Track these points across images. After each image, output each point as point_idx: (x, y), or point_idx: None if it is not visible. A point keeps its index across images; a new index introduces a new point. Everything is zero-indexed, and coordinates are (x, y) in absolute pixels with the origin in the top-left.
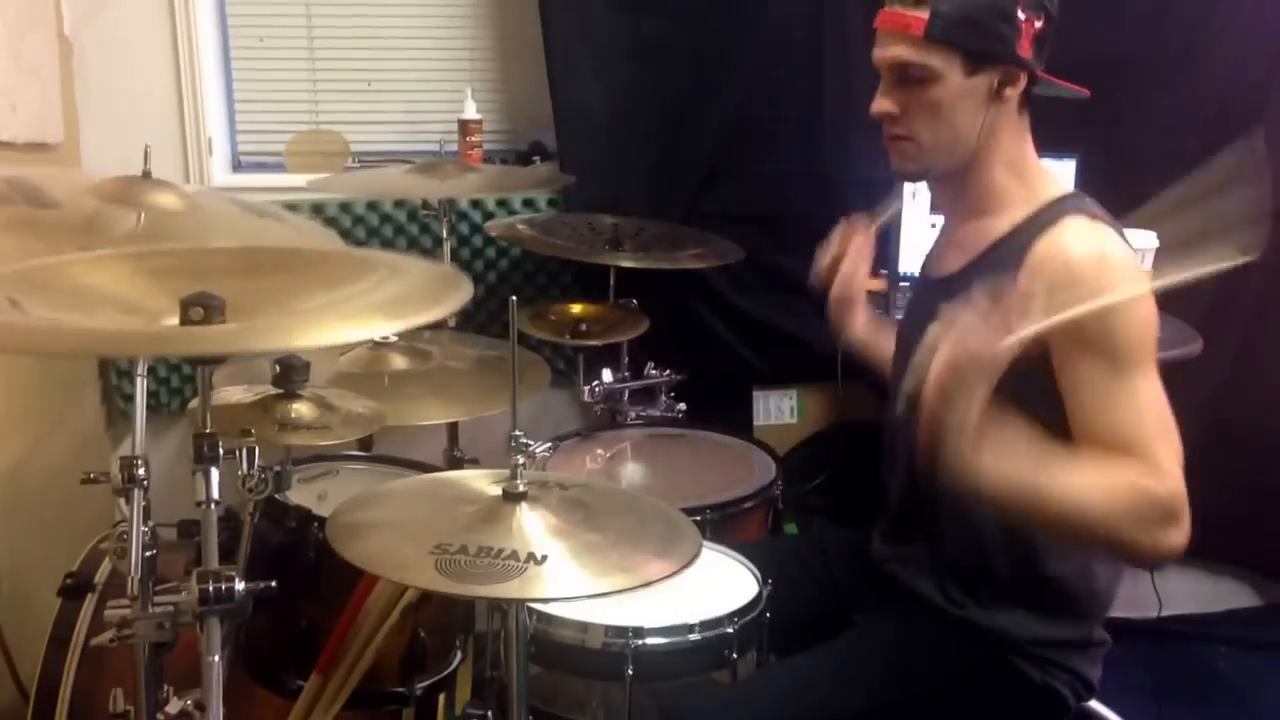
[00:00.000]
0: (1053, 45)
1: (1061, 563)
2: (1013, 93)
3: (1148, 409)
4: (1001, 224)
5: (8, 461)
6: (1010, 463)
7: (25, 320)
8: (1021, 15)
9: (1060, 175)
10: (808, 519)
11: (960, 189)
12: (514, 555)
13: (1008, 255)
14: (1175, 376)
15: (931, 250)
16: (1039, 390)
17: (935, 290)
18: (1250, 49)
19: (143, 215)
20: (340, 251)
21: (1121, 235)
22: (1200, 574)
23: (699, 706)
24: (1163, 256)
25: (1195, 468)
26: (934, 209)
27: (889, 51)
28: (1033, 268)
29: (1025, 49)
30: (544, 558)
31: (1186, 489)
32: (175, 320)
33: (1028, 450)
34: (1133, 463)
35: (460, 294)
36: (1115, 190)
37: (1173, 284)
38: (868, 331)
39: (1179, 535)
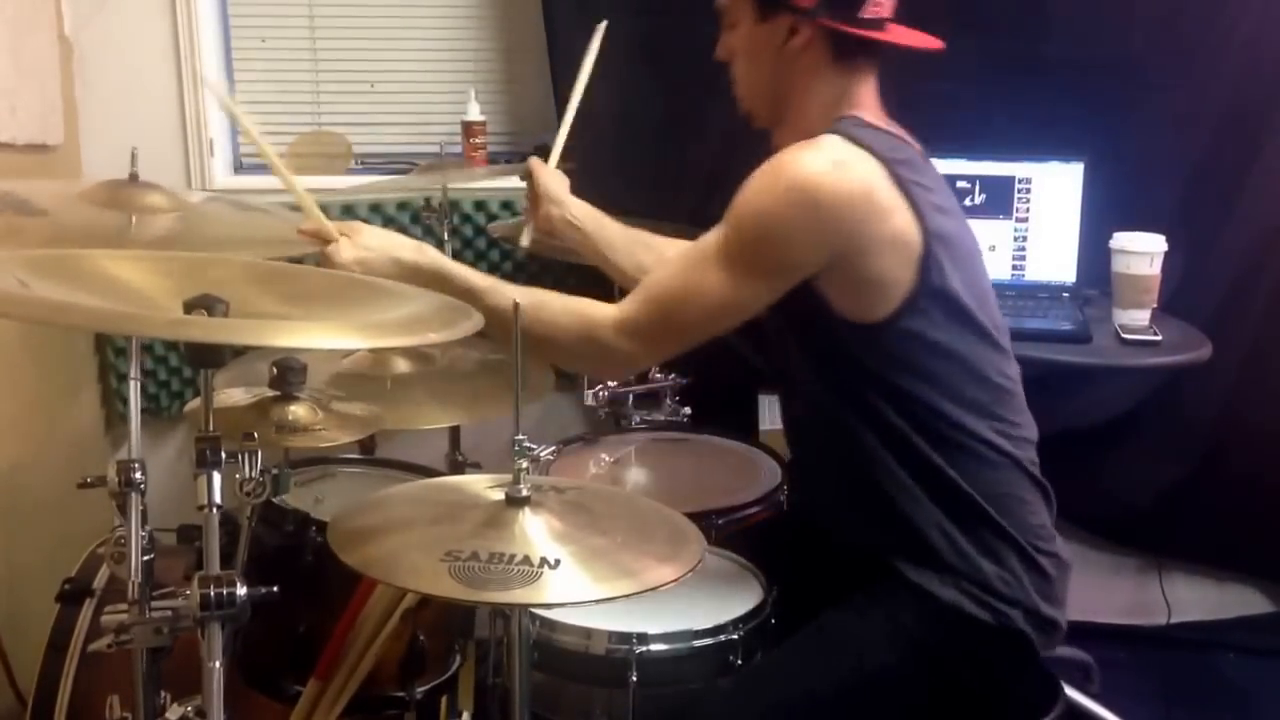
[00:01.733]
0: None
1: (950, 459)
2: (799, 42)
3: (678, 286)
4: None
5: (6, 465)
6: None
7: (29, 293)
8: None
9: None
10: None
11: (786, 143)
12: (526, 560)
13: None
14: (1184, 381)
15: None
16: None
17: None
18: (1260, 51)
19: (134, 219)
20: (355, 278)
21: (878, 157)
22: (1209, 581)
23: (701, 710)
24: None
25: (1204, 473)
26: None
27: None
28: None
29: None
30: (557, 562)
31: (1185, 493)
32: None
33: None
34: (603, 312)
35: (469, 324)
36: (1123, 192)
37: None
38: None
39: (608, 369)
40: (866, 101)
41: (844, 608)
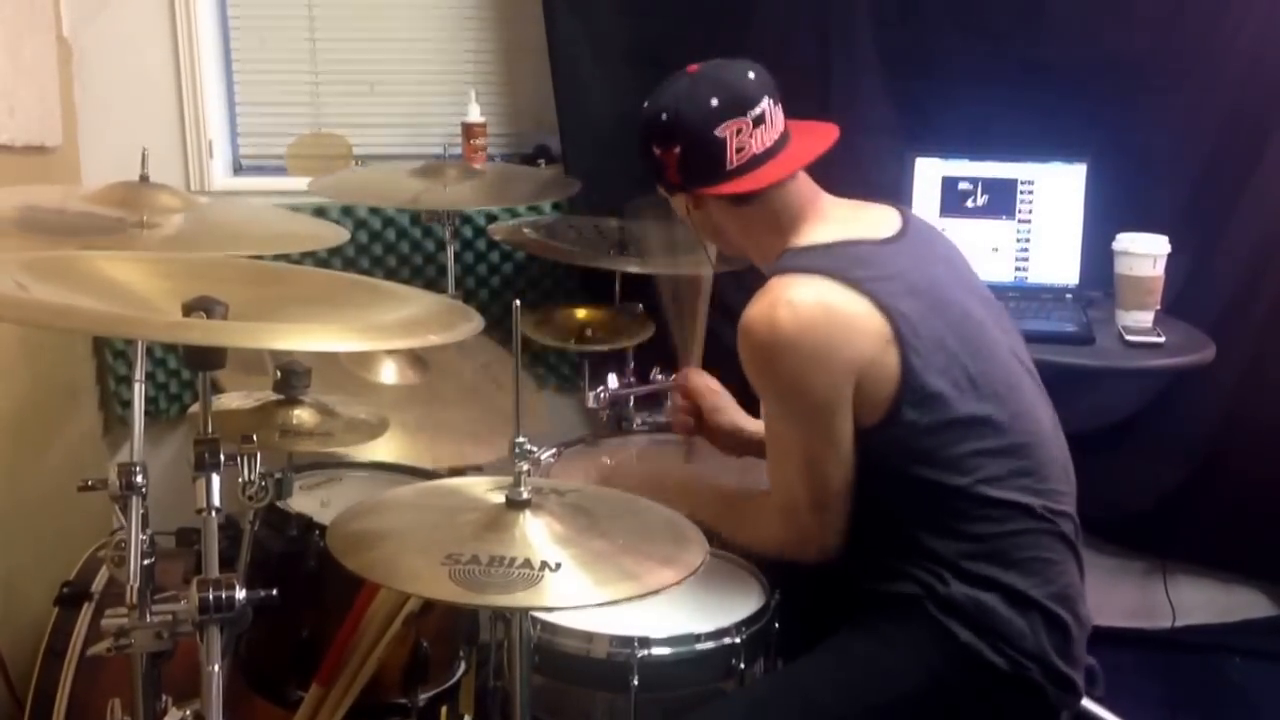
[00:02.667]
0: (717, 155)
1: (974, 528)
2: (700, 208)
3: (774, 464)
4: None
5: (4, 468)
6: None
7: (28, 296)
8: (656, 151)
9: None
10: None
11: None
12: (527, 564)
13: None
14: (1188, 383)
15: None
16: None
17: None
18: (1264, 52)
19: (144, 219)
20: (355, 279)
21: (835, 276)
22: (1214, 584)
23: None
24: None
25: (1208, 476)
26: None
27: None
28: None
29: (673, 175)
30: (558, 565)
31: (1189, 495)
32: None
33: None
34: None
35: (469, 326)
36: (1126, 193)
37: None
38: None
39: (798, 553)
40: (801, 214)
41: (869, 634)
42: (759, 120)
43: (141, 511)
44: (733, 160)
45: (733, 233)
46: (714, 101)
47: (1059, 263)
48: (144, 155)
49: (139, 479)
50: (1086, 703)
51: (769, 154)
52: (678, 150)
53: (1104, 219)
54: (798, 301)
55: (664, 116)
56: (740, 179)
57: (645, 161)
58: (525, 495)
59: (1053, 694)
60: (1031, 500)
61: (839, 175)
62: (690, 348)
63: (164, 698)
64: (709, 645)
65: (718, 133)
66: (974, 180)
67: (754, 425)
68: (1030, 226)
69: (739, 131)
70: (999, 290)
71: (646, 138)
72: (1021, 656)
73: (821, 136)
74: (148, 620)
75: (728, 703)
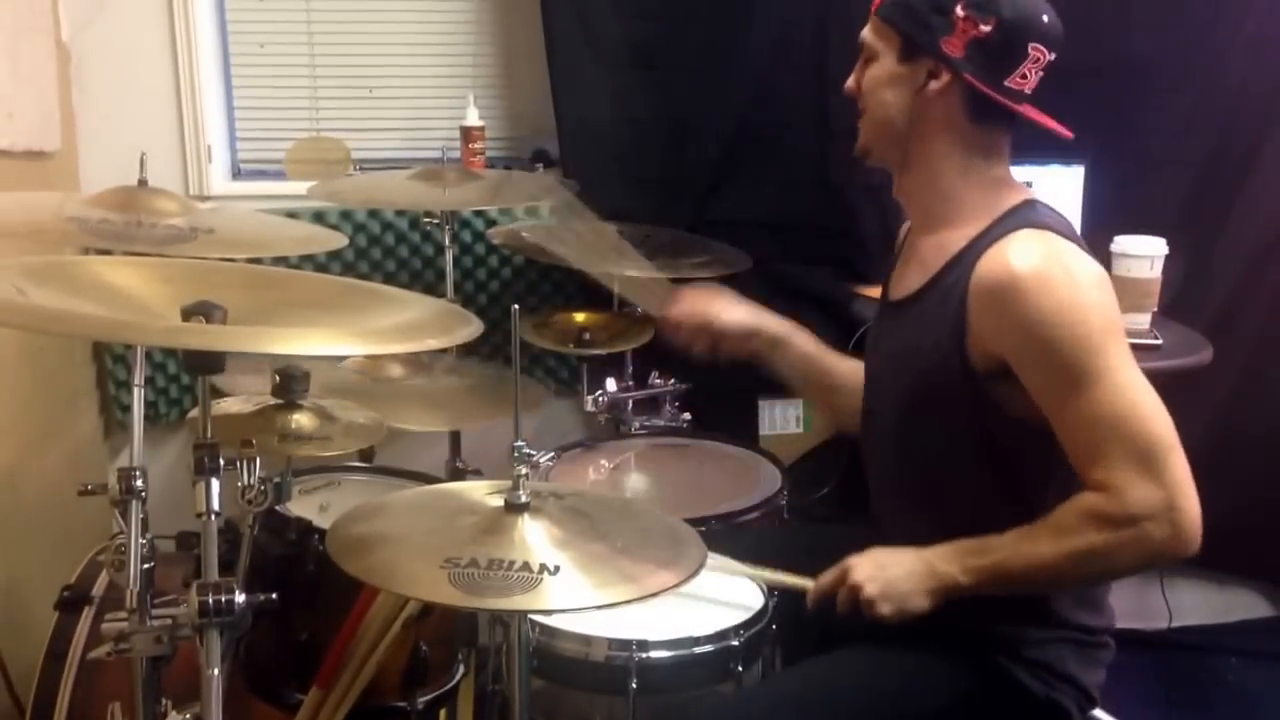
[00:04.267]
0: (1017, 66)
1: None
2: (935, 88)
3: (1096, 421)
4: (958, 239)
5: (4, 472)
6: (965, 570)
7: (27, 301)
8: (960, 12)
9: (1026, 185)
10: None
11: (910, 193)
12: (526, 567)
13: (959, 273)
14: (1185, 385)
15: (894, 268)
16: (998, 403)
17: (894, 313)
18: (1262, 53)
19: (140, 223)
20: (354, 284)
21: (1077, 243)
22: (1211, 585)
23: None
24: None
25: (1205, 477)
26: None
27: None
28: (976, 285)
29: (955, 47)
30: (557, 568)
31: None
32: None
33: (969, 552)
34: (1083, 495)
35: (467, 330)
36: (1124, 195)
37: None
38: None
39: (1164, 530)
40: (1007, 172)
41: (905, 650)
42: (1047, 66)
43: (141, 516)
44: (1013, 80)
45: (929, 134)
46: (1046, 19)
47: None
48: (142, 159)
49: (139, 483)
50: None
51: (1030, 98)
52: (986, 28)
53: (1102, 221)
54: (1076, 250)
55: None
56: (1005, 96)
57: (929, 12)
58: (524, 499)
59: (1076, 715)
60: None
61: (838, 177)
62: (652, 293)
63: (164, 701)
64: (708, 648)
65: (1030, 45)
66: None
67: (763, 317)
68: None
69: (1038, 60)
70: None
71: None
72: (1059, 681)
73: (1058, 125)
74: (148, 624)
75: (746, 696)
